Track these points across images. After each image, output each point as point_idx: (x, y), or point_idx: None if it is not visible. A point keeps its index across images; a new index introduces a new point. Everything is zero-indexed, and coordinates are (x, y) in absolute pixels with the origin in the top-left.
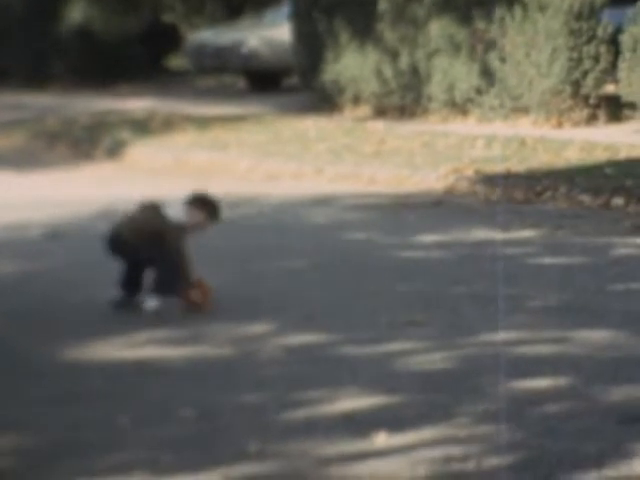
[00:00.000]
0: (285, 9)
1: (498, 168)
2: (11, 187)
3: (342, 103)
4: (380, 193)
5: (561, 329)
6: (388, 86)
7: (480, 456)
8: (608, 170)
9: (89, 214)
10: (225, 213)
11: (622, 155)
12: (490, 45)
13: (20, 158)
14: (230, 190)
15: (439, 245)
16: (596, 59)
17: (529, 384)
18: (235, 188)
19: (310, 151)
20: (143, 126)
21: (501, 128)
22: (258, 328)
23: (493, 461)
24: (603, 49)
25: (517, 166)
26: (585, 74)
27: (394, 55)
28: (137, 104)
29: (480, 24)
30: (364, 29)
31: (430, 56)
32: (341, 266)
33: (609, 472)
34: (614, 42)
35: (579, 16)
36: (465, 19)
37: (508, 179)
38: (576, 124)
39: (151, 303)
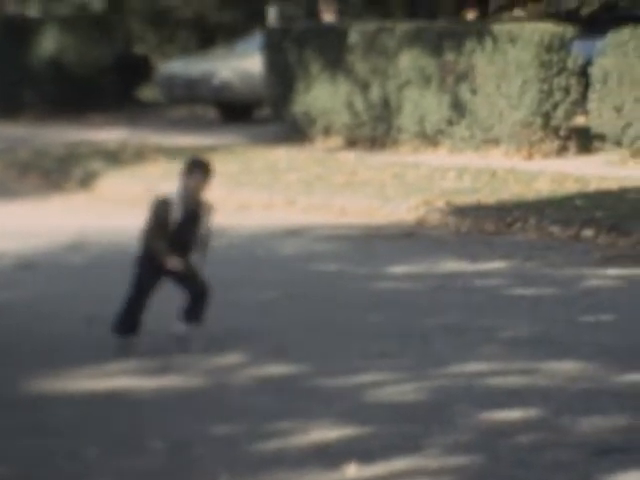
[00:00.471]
0: (256, 40)
1: (469, 199)
2: None
3: (313, 134)
4: (351, 224)
5: (532, 360)
6: (359, 117)
7: None
8: (578, 202)
9: (60, 245)
10: None
11: (592, 187)
12: (461, 77)
13: None
14: None
15: (410, 276)
16: (566, 91)
17: (500, 415)
18: None
19: (281, 182)
20: (114, 157)
21: (472, 159)
22: (230, 359)
23: None
24: (573, 81)
25: (488, 197)
26: (555, 106)
27: (365, 87)
28: (109, 135)
29: (450, 56)
30: (335, 60)
31: (401, 88)
32: (313, 297)
33: None
34: (584, 74)
35: (549, 48)
36: (436, 51)
37: (479, 210)
38: (547, 155)
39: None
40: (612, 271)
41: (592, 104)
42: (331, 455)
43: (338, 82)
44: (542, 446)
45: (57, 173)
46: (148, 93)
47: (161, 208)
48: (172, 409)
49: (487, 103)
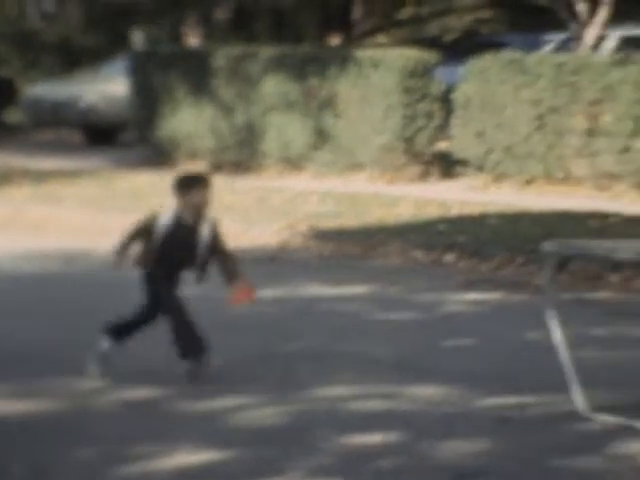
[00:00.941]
0: (120, 63)
1: (332, 223)
2: None
3: (178, 158)
4: None
5: (393, 385)
6: (224, 142)
7: None
8: (441, 226)
9: None
10: (60, 268)
11: (454, 212)
12: (324, 102)
13: None
14: (65, 245)
15: (273, 300)
16: (429, 116)
17: (361, 439)
18: (70, 242)
19: (144, 206)
20: None
21: (336, 184)
22: (93, 383)
23: None
24: (436, 107)
25: (351, 221)
26: (419, 131)
27: (230, 111)
28: None
29: (314, 81)
30: (200, 85)
31: (265, 112)
32: None
33: None
34: (447, 100)
35: (413, 74)
36: (300, 76)
37: (341, 235)
38: (410, 180)
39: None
40: (473, 295)
41: (455, 130)
42: (193, 478)
43: (203, 106)
44: (403, 470)
45: None
46: (13, 116)
47: (148, 219)
48: (35, 433)
49: (351, 128)
